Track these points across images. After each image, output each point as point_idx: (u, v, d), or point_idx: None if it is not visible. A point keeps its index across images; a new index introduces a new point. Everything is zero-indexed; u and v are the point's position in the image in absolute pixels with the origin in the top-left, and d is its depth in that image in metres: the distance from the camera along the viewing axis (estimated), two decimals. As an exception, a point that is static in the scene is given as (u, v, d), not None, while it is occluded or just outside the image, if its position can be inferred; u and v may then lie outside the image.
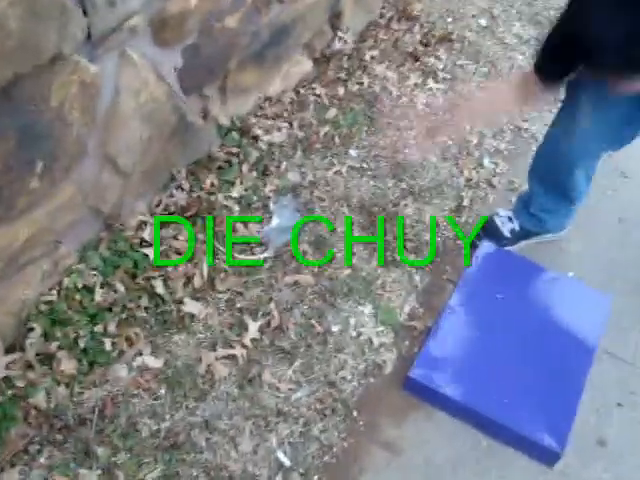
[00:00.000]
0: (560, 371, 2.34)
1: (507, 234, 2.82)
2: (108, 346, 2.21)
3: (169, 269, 2.42)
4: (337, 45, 3.54)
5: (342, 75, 3.45)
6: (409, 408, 2.32)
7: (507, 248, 2.82)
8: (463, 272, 2.65)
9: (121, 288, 2.32)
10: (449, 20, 4.06)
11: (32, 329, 2.16)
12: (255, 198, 2.78)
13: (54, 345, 2.15)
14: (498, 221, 2.84)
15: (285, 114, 3.14)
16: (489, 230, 2.83)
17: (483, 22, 4.11)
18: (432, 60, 3.74)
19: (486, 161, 3.26)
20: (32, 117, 1.83)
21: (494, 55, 3.91)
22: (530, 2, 4.33)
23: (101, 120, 2.15)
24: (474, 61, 3.84)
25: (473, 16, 4.13)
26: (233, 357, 2.29)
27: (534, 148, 3.20)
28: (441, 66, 3.72)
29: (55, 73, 1.82)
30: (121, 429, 2.07)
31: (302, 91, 3.30)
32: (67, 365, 2.14)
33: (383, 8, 3.94)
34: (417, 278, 2.68)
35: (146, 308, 2.34)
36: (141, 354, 2.24)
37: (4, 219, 1.91)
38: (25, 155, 1.86)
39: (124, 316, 2.29)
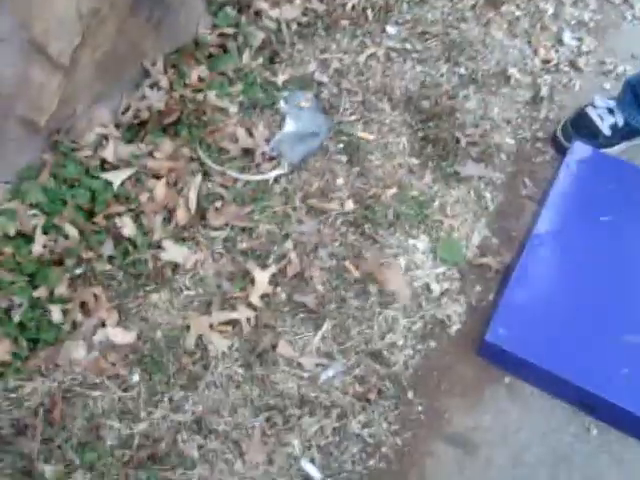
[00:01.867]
0: None
1: (606, 131, 2.09)
2: (56, 317, 1.58)
3: (142, 200, 1.77)
4: None
5: None
6: (486, 383, 1.68)
7: (604, 150, 2.06)
8: (549, 186, 1.91)
9: (73, 232, 1.67)
10: None
11: (-57, 299, 1.52)
12: (261, 95, 2.07)
13: (-23, 319, 1.51)
14: (593, 114, 2.10)
15: (295, -17, 2.36)
16: (581, 126, 2.09)
17: None
18: None
19: (567, 36, 2.49)
20: None
21: None
22: None
23: (15, -15, 1.43)
24: None
25: None
26: (235, 323, 1.64)
27: (628, 16, 2.45)
28: None
29: None
30: (77, 437, 1.46)
31: None
32: (-2, 348, 1.51)
33: None
34: (487, 196, 1.98)
35: (110, 258, 1.69)
36: (104, 325, 1.62)
37: None
38: None
39: (78, 272, 1.64)
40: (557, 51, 2.41)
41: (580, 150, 2.01)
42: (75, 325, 1.59)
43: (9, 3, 1.45)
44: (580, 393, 1.57)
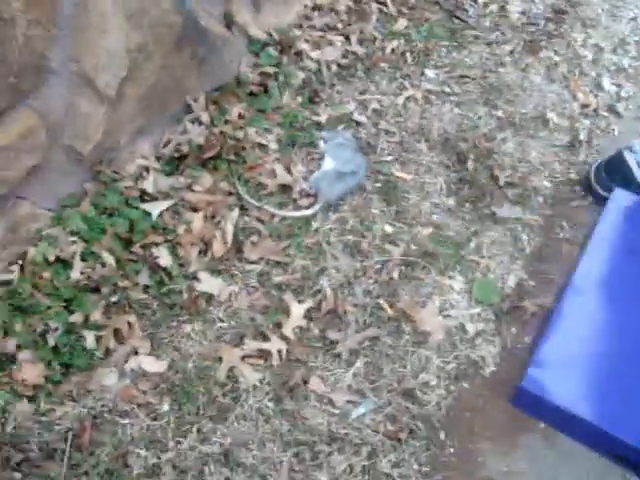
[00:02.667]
0: None
1: (640, 178, 2.06)
2: (90, 343, 1.58)
3: (179, 231, 1.78)
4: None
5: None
6: (520, 427, 1.62)
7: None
8: (590, 232, 1.89)
9: (110, 260, 1.68)
10: None
11: (-18, 320, 1.54)
12: (300, 134, 2.09)
13: (13, 343, 1.54)
14: (631, 159, 2.06)
15: (340, 26, 2.42)
16: (615, 170, 2.08)
17: None
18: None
19: (606, 82, 2.51)
20: None
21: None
22: None
23: (66, 19, 1.48)
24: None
25: None
26: (267, 355, 1.64)
27: (667, 62, 2.47)
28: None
29: None
30: (104, 464, 1.44)
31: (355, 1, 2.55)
32: (31, 371, 1.52)
33: None
34: (524, 238, 1.97)
35: (145, 287, 1.70)
36: (136, 353, 1.62)
37: None
38: None
39: (114, 300, 1.65)
40: (596, 96, 2.43)
41: (622, 197, 1.99)
42: (108, 352, 1.59)
43: (62, 39, 1.50)
44: (618, 446, 1.52)
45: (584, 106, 2.37)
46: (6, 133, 1.46)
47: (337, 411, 1.57)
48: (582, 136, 2.27)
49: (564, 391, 1.57)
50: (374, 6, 2.54)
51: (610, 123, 2.35)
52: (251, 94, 2.11)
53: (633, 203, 1.98)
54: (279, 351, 1.62)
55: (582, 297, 1.74)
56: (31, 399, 1.50)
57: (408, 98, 2.25)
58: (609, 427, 1.51)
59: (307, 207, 1.91)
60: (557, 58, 2.52)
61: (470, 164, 2.06)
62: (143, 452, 1.47)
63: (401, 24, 2.50)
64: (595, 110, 2.37)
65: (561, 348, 1.65)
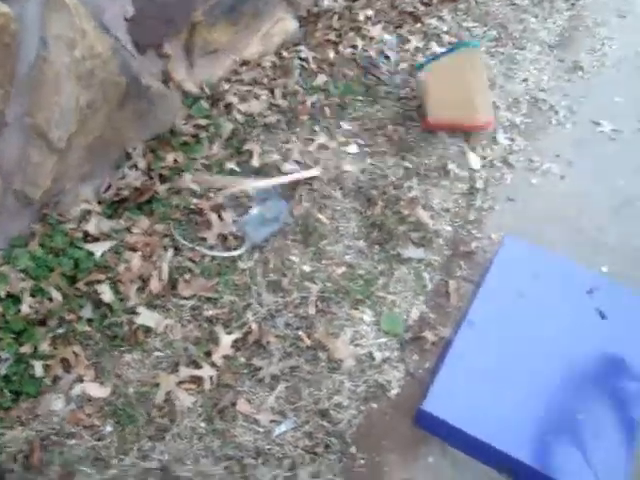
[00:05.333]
0: (613, 408, 1.88)
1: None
2: (38, 371, 1.74)
3: (120, 270, 1.96)
4: (326, 2, 3.04)
5: (332, 37, 2.98)
6: (421, 442, 1.86)
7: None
8: (484, 273, 2.18)
9: (57, 296, 1.85)
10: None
11: (-63, 351, 1.68)
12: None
13: (-34, 372, 1.67)
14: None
15: (265, 80, 2.66)
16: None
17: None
18: (434, 21, 3.27)
19: (500, 136, 2.80)
20: None
21: (504, 17, 3.43)
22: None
23: (23, 80, 1.66)
24: (482, 23, 3.36)
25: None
26: (200, 381, 1.83)
27: (554, 121, 2.80)
28: (445, 28, 3.25)
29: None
30: (53, 482, 1.59)
31: (286, 54, 2.81)
32: (-17, 398, 1.66)
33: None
34: (426, 276, 2.22)
35: (89, 320, 1.87)
36: (82, 380, 1.79)
37: None
38: None
39: (60, 332, 1.81)
40: (492, 149, 2.72)
41: (512, 242, 2.28)
42: (55, 379, 1.75)
43: (19, 96, 1.68)
44: (503, 458, 1.78)
45: (481, 158, 2.67)
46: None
47: (262, 429, 1.77)
48: (479, 185, 2.56)
49: (458, 412, 1.81)
50: (296, 62, 2.78)
51: (504, 173, 2.65)
52: (185, 143, 2.31)
53: (522, 248, 2.28)
54: (210, 377, 1.82)
55: (475, 331, 2.01)
56: (-17, 424, 1.65)
57: (326, 148, 2.50)
58: (495, 442, 1.77)
59: (235, 248, 2.13)
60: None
61: (379, 210, 2.31)
62: (89, 470, 1.64)
63: (321, 79, 2.75)
64: (491, 161, 2.67)
65: (456, 375, 1.90)
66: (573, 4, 3.66)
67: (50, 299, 1.83)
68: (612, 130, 2.89)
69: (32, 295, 1.81)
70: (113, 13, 1.87)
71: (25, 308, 1.78)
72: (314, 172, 2.35)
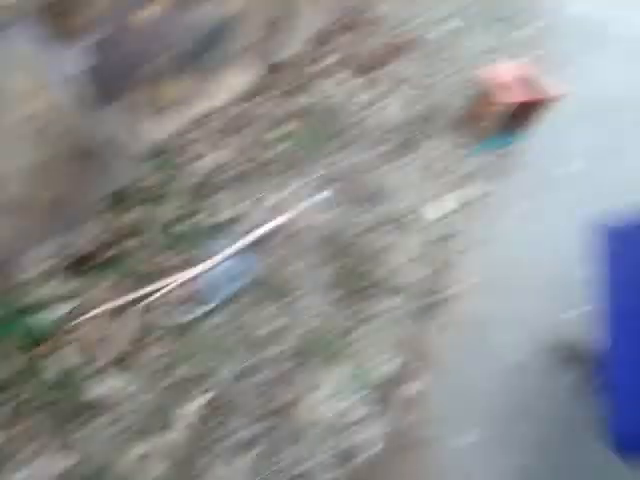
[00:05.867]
0: None
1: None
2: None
3: (82, 331, 1.85)
4: (289, 51, 3.02)
5: (296, 86, 2.93)
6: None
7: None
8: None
9: (18, 361, 1.73)
10: (415, 24, 3.57)
11: None
12: (192, 235, 2.22)
13: None
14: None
15: (230, 130, 2.59)
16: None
17: (451, 26, 3.63)
18: (400, 66, 3.25)
19: (473, 179, 2.75)
20: None
21: (468, 60, 3.44)
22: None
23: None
24: (450, 64, 3.35)
25: (442, 19, 3.64)
26: (169, 446, 1.71)
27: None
28: (410, 73, 3.23)
29: None
30: None
31: (247, 105, 2.75)
32: None
33: (342, 9, 3.44)
34: (398, 328, 2.15)
35: (50, 388, 1.75)
36: (37, 457, 1.66)
37: None
38: None
39: (10, 407, 1.69)
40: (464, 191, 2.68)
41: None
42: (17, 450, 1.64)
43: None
44: None
45: (454, 201, 2.62)
46: None
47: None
48: (449, 230, 2.51)
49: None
50: (259, 112, 2.73)
51: (477, 216, 2.61)
52: (145, 199, 2.23)
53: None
54: (181, 440, 1.73)
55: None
56: None
57: (295, 196, 2.43)
58: None
59: (202, 306, 2.04)
60: (430, 156, 2.77)
61: (349, 261, 2.26)
62: None
63: (284, 129, 2.70)
64: (463, 205, 2.63)
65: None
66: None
67: (10, 364, 1.73)
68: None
69: (-13, 363, 1.71)
70: (69, 65, 1.80)
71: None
72: (282, 220, 2.29)
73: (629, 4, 3.71)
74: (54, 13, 1.64)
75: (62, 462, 1.65)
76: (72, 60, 1.79)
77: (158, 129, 2.34)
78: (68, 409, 1.75)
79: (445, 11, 3.67)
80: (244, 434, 1.78)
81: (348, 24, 3.43)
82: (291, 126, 2.73)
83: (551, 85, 2.61)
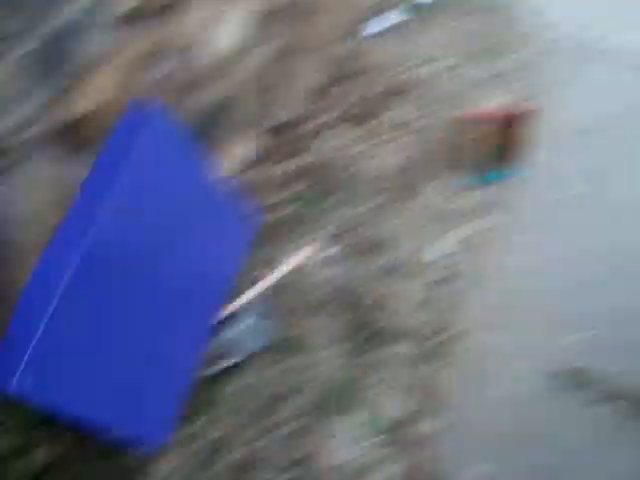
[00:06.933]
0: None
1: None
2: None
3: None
4: (287, 113, 3.22)
5: (296, 147, 3.11)
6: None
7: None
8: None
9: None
10: (407, 65, 3.72)
11: None
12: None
13: None
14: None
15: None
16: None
17: (443, 64, 3.78)
18: (398, 113, 3.40)
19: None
20: None
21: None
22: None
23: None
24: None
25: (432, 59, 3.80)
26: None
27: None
28: (409, 118, 3.37)
29: None
30: None
31: (252, 172, 2.95)
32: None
33: (334, 61, 3.62)
34: (410, 372, 2.31)
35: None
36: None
37: None
38: None
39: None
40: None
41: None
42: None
43: None
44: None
45: (450, 244, 2.76)
46: None
47: None
48: (450, 273, 2.64)
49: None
50: (266, 175, 2.93)
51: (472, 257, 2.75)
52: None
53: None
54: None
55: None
56: None
57: (304, 253, 2.62)
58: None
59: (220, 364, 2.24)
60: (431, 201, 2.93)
61: (358, 312, 2.42)
62: None
63: (288, 192, 2.89)
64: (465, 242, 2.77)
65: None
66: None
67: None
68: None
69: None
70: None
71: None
72: (293, 277, 2.48)
73: (620, 24, 3.79)
74: (67, 132, 1.86)
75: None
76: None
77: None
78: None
79: (436, 50, 3.80)
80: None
81: (341, 76, 3.61)
82: (296, 187, 2.91)
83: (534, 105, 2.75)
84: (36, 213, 1.82)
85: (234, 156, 2.86)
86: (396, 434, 2.12)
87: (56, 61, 1.75)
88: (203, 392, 2.17)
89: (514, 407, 2.22)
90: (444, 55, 3.79)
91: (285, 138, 3.16)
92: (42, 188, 1.81)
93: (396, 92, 3.55)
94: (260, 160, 3.02)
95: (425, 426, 2.15)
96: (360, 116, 3.37)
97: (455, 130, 3.04)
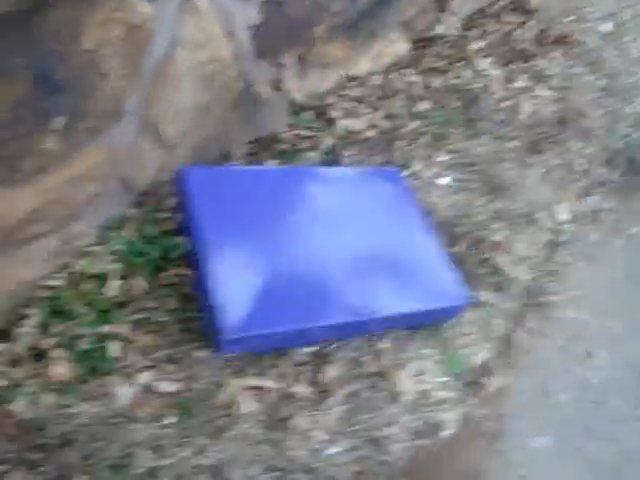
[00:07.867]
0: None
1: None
2: (115, 352, 1.80)
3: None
4: (440, 29, 3.06)
5: (441, 64, 2.97)
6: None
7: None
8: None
9: (143, 282, 1.90)
10: (569, 20, 3.51)
11: (27, 316, 1.77)
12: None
13: (50, 341, 1.76)
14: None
15: (370, 99, 2.67)
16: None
17: (607, 27, 3.55)
18: (544, 63, 3.22)
19: (593, 192, 2.75)
20: (55, 59, 1.41)
21: (615, 68, 3.37)
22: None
23: (148, 76, 1.73)
24: (592, 71, 3.30)
25: (597, 19, 3.57)
26: (263, 390, 1.86)
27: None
28: (554, 71, 3.20)
29: (93, 5, 1.40)
30: (113, 460, 1.66)
31: (393, 76, 2.83)
32: (62, 368, 1.74)
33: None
34: (496, 322, 2.21)
35: (172, 311, 1.91)
36: (153, 368, 1.83)
37: (4, 182, 1.50)
38: (41, 106, 1.45)
39: (141, 317, 1.87)
40: (581, 203, 2.69)
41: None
42: (128, 363, 1.83)
43: (139, 89, 1.75)
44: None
45: (570, 211, 2.64)
46: (82, 165, 1.70)
47: (314, 446, 1.82)
48: (563, 238, 2.54)
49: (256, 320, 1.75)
50: (402, 85, 2.80)
51: (589, 231, 2.62)
52: (283, 151, 2.35)
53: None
54: (275, 388, 1.87)
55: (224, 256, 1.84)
56: (58, 393, 1.73)
57: (418, 177, 2.52)
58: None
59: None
60: (554, 162, 2.78)
61: (461, 248, 2.32)
62: (147, 454, 1.71)
63: (423, 106, 2.76)
64: (579, 216, 2.64)
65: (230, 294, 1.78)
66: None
67: (136, 284, 1.90)
68: None
69: (120, 278, 1.89)
70: (240, 19, 1.92)
71: (111, 290, 1.86)
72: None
73: None
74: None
75: (167, 383, 1.82)
76: (244, 15, 1.91)
77: (304, 88, 2.44)
78: (180, 335, 1.91)
79: (600, 12, 3.58)
80: (331, 394, 1.90)
81: (499, 12, 3.42)
82: (427, 105, 2.78)
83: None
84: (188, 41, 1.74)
85: (375, 56, 2.73)
86: (464, 381, 2.04)
87: None
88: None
89: (589, 392, 2.12)
90: (606, 21, 3.58)
91: (427, 55, 3.01)
92: (200, 16, 1.73)
93: (548, 44, 3.35)
94: (398, 69, 2.88)
95: (495, 381, 2.06)
96: (506, 57, 3.20)
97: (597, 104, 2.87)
